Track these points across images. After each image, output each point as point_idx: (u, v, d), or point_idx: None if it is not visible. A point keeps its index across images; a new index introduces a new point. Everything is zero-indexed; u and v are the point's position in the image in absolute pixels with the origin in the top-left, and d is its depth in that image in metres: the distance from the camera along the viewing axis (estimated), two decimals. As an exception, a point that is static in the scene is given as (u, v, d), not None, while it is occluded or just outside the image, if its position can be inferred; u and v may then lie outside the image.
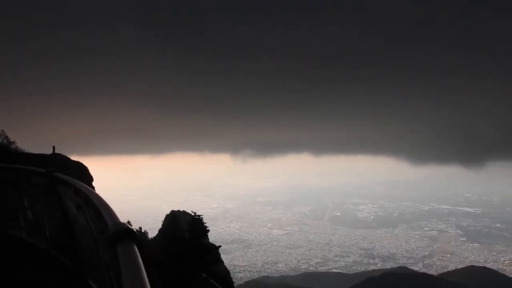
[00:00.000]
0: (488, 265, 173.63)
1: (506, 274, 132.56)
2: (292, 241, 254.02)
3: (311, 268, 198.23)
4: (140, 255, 2.16)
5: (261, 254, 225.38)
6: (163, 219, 60.02)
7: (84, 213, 3.80)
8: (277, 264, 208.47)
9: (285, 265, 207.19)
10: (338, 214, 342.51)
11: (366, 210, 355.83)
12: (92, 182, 39.25)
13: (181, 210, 63.65)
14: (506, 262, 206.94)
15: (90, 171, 39.67)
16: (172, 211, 62.92)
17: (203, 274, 22.03)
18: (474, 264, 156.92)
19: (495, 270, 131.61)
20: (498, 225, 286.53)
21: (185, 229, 33.12)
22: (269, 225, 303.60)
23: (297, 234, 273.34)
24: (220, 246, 37.62)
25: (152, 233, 60.67)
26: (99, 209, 3.04)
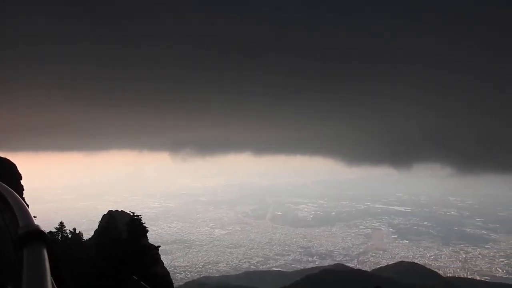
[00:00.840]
0: (416, 260, 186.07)
1: (432, 268, 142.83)
2: (233, 241, 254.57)
3: (252, 267, 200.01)
4: (54, 258, 2.02)
5: (202, 254, 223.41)
6: (100, 220, 57.40)
7: (1, 213, 3.40)
8: (218, 264, 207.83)
9: (226, 264, 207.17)
10: (279, 213, 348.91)
11: (306, 209, 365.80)
12: (21, 181, 36.63)
13: (119, 210, 61.29)
14: (432, 257, 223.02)
15: (18, 169, 37.05)
16: (110, 211, 60.39)
17: (134, 276, 21.20)
18: (404, 260, 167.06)
19: (422, 265, 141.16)
20: (425, 223, 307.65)
21: (122, 229, 31.87)
22: (211, 224, 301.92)
23: (239, 234, 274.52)
24: (159, 247, 36.63)
25: (87, 235, 57.88)
26: (13, 209, 2.83)
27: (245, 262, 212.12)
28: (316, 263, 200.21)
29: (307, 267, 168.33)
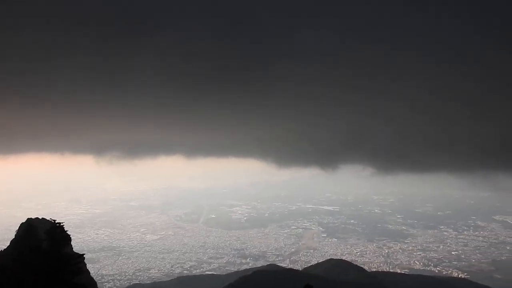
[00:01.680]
0: (344, 257, 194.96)
1: (358, 264, 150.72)
2: (166, 246, 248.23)
3: (185, 272, 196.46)
4: None
5: (132, 261, 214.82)
6: (17, 229, 52.75)
7: None
8: (149, 270, 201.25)
9: (158, 270, 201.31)
10: (213, 216, 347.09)
11: (240, 212, 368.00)
12: None
13: (40, 218, 56.76)
14: (358, 253, 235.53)
15: None
16: (28, 219, 55.69)
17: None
18: (332, 257, 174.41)
19: (349, 261, 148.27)
20: (352, 221, 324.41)
21: (43, 238, 29.52)
22: (142, 230, 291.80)
23: (172, 238, 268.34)
24: (83, 255, 34.50)
25: (3, 245, 53.25)
26: None
27: (178, 267, 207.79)
28: (250, 264, 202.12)
29: (240, 269, 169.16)
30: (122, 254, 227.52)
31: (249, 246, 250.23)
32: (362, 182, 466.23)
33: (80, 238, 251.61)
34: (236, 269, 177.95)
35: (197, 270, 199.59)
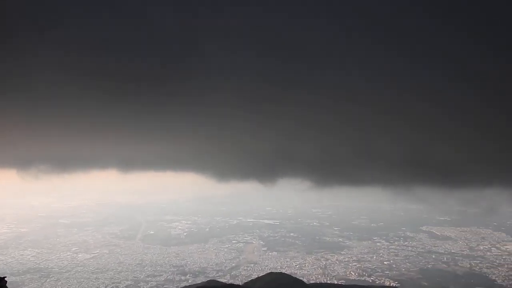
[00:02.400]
0: (283, 270, 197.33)
1: (297, 277, 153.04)
2: (100, 265, 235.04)
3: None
4: None
5: (62, 283, 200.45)
6: None
7: None
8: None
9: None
10: (152, 232, 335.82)
11: (179, 227, 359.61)
12: None
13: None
14: (297, 266, 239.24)
15: None
16: None
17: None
18: (273, 271, 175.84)
19: (288, 274, 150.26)
20: (292, 234, 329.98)
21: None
22: (73, 249, 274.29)
23: (106, 257, 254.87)
24: (5, 278, 31.74)
25: None
26: None
27: (112, 287, 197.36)
28: (189, 281, 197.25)
29: (179, 286, 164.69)
30: (51, 276, 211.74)
31: (189, 262, 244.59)
32: (301, 195, 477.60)
33: (2, 260, 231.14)
34: (175, 287, 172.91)
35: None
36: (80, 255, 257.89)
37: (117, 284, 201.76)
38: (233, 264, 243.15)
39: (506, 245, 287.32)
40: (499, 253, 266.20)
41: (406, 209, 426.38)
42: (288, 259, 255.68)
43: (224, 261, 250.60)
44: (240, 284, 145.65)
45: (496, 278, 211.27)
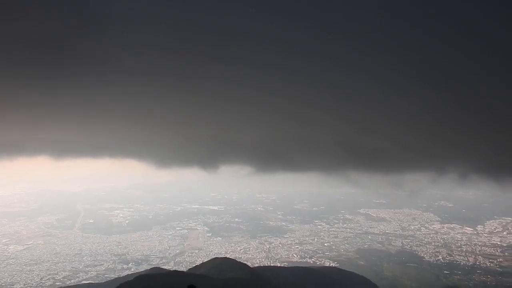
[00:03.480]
0: (228, 255, 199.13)
1: (241, 261, 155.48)
2: (34, 257, 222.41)
3: (57, 283, 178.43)
4: None
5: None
6: None
7: None
8: (13, 285, 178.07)
9: (25, 284, 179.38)
10: (91, 221, 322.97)
11: (121, 215, 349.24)
12: None
13: None
14: (242, 250, 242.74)
15: None
16: None
17: None
18: (217, 256, 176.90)
19: (233, 259, 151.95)
20: (236, 219, 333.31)
21: None
22: (4, 240, 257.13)
23: (41, 248, 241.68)
24: None
25: None
26: None
27: (48, 279, 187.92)
28: (132, 269, 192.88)
29: (121, 275, 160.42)
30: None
31: (131, 251, 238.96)
32: (246, 181, 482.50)
33: None
34: (116, 276, 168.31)
35: (72, 280, 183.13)
36: (11, 247, 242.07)
37: (54, 276, 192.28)
38: (177, 251, 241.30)
39: (433, 224, 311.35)
40: (427, 232, 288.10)
41: (346, 193, 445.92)
42: (233, 244, 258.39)
43: (168, 248, 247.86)
44: (185, 270, 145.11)
45: (424, 255, 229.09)
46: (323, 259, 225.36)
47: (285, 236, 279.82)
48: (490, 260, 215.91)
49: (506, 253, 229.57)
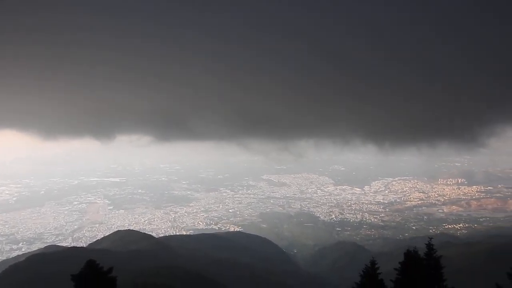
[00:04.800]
0: (132, 227, 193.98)
1: (146, 232, 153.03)
2: None
3: None
4: None
5: None
6: None
7: None
8: None
9: None
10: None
11: (7, 192, 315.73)
12: None
13: None
14: (146, 221, 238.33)
15: None
16: None
17: None
18: (120, 229, 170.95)
19: (137, 231, 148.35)
20: (139, 190, 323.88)
21: None
22: None
23: None
24: None
25: None
26: None
27: None
28: (23, 249, 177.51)
29: (10, 257, 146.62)
30: None
31: (21, 230, 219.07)
32: (148, 151, 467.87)
33: None
34: (5, 258, 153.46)
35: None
36: None
37: None
38: (75, 227, 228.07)
39: (328, 187, 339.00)
40: (323, 194, 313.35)
41: (249, 161, 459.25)
42: (137, 216, 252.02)
43: (65, 224, 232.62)
44: (85, 245, 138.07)
45: (320, 215, 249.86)
46: (228, 225, 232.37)
47: (190, 204, 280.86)
48: (374, 216, 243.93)
49: (387, 209, 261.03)
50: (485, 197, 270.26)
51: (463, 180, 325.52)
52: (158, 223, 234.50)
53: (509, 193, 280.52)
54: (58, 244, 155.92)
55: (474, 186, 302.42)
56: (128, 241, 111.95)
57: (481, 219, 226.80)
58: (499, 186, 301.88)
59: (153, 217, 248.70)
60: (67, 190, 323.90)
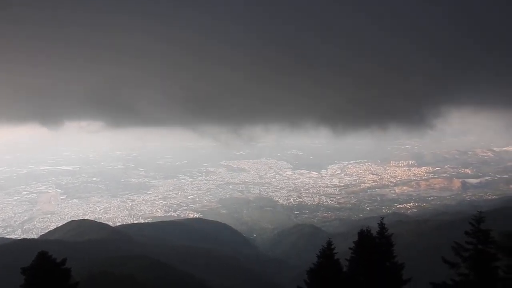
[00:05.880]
0: (86, 217, 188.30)
1: (102, 221, 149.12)
2: None
3: None
4: None
5: None
6: None
7: None
8: None
9: None
10: None
11: None
12: None
13: None
14: (102, 210, 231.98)
15: None
16: None
17: None
18: (74, 219, 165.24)
19: (92, 220, 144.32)
20: (94, 179, 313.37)
21: None
22: None
23: None
24: None
25: None
26: None
27: None
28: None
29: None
30: None
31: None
32: (102, 138, 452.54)
33: None
34: None
35: None
36: None
37: None
38: (25, 218, 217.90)
39: (286, 171, 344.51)
40: (281, 179, 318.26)
41: (208, 147, 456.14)
42: (91, 205, 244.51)
43: (13, 215, 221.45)
44: (36, 237, 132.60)
45: (279, 199, 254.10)
46: (187, 212, 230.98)
47: (148, 192, 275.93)
48: (331, 199, 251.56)
49: (343, 192, 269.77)
50: (433, 177, 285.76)
51: (413, 161, 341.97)
52: (114, 212, 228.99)
53: (455, 172, 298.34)
54: (6, 237, 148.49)
55: (423, 167, 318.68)
56: (83, 231, 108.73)
57: (429, 198, 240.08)
58: (446, 166, 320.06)
59: (109, 206, 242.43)
60: (15, 179, 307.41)
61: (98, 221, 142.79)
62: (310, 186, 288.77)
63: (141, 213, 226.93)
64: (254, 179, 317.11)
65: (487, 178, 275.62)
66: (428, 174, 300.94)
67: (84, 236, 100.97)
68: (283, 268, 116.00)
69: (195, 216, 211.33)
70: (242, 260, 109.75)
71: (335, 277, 20.58)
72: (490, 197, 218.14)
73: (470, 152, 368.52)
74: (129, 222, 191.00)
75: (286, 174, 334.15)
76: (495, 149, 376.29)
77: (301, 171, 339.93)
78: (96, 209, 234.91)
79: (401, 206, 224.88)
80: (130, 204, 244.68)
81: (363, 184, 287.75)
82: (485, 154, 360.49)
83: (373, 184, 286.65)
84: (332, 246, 21.14)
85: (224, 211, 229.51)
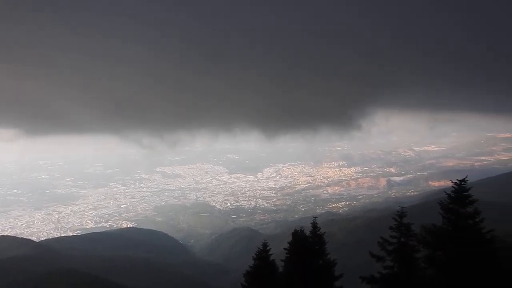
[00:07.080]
0: (6, 233, 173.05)
1: (24, 236, 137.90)
2: None
3: None
4: None
5: None
6: None
7: None
8: None
9: None
10: None
11: None
12: None
13: None
14: (24, 225, 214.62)
15: None
16: None
17: None
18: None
19: (13, 236, 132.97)
20: (14, 191, 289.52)
21: None
22: None
23: None
24: None
25: None
26: None
27: None
28: None
29: None
30: None
31: None
32: (19, 147, 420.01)
33: None
34: None
35: None
36: None
37: None
38: None
39: (222, 176, 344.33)
40: (218, 183, 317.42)
41: (140, 153, 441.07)
42: (12, 220, 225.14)
43: None
44: None
45: (215, 204, 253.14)
46: (120, 221, 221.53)
47: (76, 203, 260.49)
48: (267, 201, 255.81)
49: (278, 194, 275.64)
50: (361, 177, 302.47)
51: (343, 162, 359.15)
52: (38, 226, 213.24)
53: (381, 172, 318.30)
54: None
55: (353, 168, 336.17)
56: (3, 248, 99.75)
57: (359, 197, 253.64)
58: (373, 166, 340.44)
59: (32, 219, 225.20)
60: None
61: (20, 236, 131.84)
62: (246, 189, 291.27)
63: (69, 226, 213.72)
64: (190, 185, 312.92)
65: (409, 176, 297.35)
66: (357, 174, 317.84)
67: (6, 253, 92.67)
68: (222, 273, 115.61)
69: (128, 225, 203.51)
70: (179, 266, 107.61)
71: (271, 277, 21.07)
72: (412, 193, 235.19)
73: (394, 152, 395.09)
74: (56, 236, 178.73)
75: (223, 179, 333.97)
76: (415, 148, 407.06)
77: (238, 175, 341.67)
78: (17, 223, 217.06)
79: (333, 205, 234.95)
80: (57, 217, 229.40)
81: (297, 186, 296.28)
82: (407, 154, 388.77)
83: (307, 185, 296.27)
84: (268, 248, 21.63)
85: (160, 219, 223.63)
